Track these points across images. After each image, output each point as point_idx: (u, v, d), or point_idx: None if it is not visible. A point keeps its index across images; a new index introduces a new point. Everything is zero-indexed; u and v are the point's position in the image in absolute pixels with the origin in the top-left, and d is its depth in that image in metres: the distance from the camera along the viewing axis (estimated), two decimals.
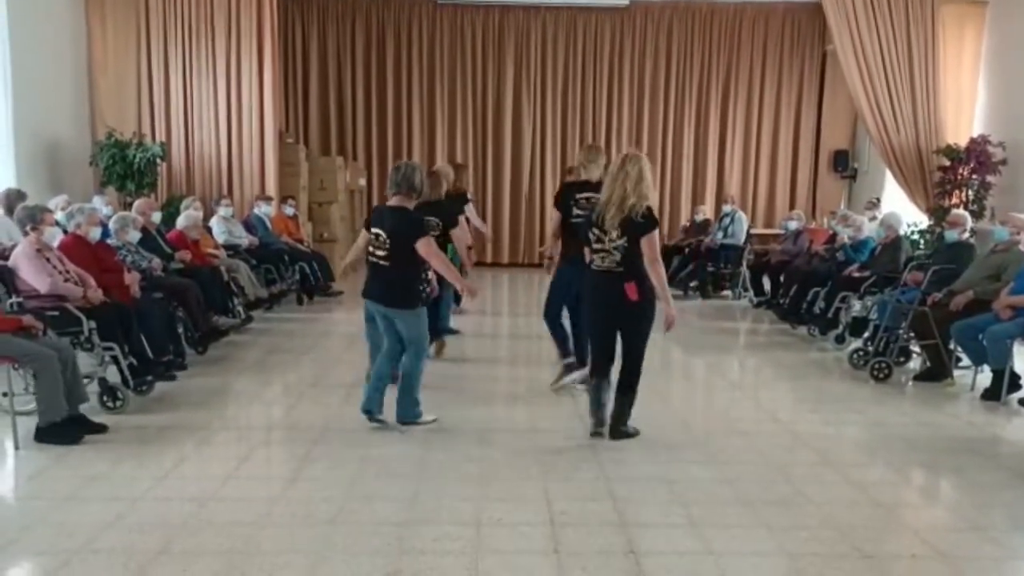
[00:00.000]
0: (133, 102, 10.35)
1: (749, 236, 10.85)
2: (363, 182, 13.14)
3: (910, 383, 6.43)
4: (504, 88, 13.36)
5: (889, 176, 11.12)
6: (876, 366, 6.36)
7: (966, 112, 10.59)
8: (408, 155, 12.83)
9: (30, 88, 8.66)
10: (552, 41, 13.27)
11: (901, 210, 9.29)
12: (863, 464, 4.59)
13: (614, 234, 4.47)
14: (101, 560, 3.21)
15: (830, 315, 7.70)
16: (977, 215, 9.36)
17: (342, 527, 3.54)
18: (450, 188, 7.10)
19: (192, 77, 10.39)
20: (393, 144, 13.33)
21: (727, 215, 10.81)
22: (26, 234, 5.37)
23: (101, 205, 7.77)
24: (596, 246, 4.57)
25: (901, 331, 6.46)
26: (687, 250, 10.99)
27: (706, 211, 11.94)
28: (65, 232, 5.89)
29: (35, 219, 5.31)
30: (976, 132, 10.19)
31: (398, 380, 4.92)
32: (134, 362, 5.45)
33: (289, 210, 10.43)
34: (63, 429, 4.52)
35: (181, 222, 7.83)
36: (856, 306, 7.54)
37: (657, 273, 4.47)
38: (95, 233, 5.97)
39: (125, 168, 9.39)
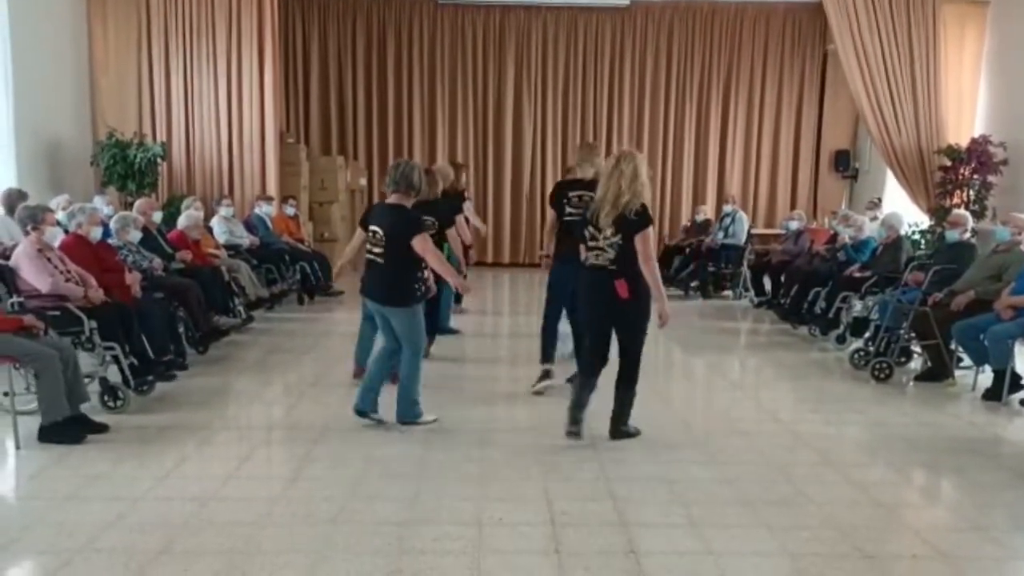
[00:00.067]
0: (134, 102, 10.35)
1: (750, 236, 10.83)
2: (364, 182, 13.12)
3: (911, 383, 6.42)
4: (505, 88, 13.34)
5: (890, 176, 11.11)
6: (877, 366, 6.36)
7: (967, 112, 10.59)
8: (409, 155, 12.79)
9: (31, 88, 8.67)
10: (553, 41, 13.25)
11: (902, 210, 9.29)
12: (864, 464, 4.58)
13: (608, 231, 4.48)
14: (102, 560, 3.21)
15: (831, 315, 7.70)
16: (978, 215, 9.35)
17: (343, 527, 3.54)
18: (448, 187, 7.10)
19: (193, 77, 10.38)
20: (394, 144, 13.30)
21: (728, 215, 10.80)
22: (27, 234, 5.38)
23: (102, 205, 7.77)
24: (591, 243, 4.59)
25: (902, 331, 6.45)
26: (688, 250, 11.00)
27: (707, 211, 11.92)
28: (66, 232, 5.89)
29: (36, 219, 5.32)
30: (977, 132, 10.18)
31: (397, 380, 4.91)
32: (135, 362, 5.45)
33: (290, 210, 10.43)
34: (66, 428, 4.53)
35: (182, 222, 7.84)
36: (857, 306, 7.53)
37: (651, 271, 4.47)
38: (96, 233, 5.97)
39: (126, 168, 9.40)
